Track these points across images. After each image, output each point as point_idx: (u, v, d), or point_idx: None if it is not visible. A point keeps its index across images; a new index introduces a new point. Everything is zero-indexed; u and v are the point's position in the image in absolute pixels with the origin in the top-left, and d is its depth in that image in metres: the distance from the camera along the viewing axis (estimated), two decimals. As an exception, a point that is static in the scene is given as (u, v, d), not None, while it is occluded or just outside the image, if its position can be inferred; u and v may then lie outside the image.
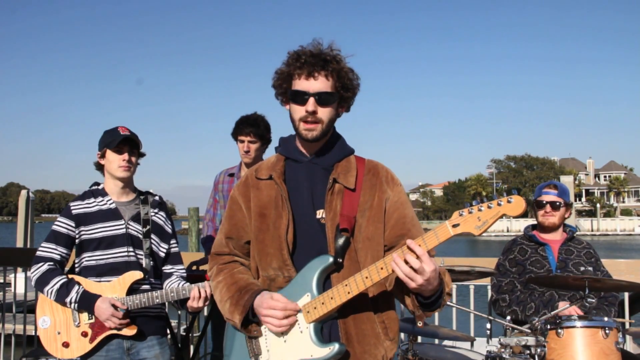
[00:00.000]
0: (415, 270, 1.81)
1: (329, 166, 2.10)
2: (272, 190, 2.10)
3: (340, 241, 1.99)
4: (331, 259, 1.97)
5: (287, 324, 1.95)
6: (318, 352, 1.93)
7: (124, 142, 2.97)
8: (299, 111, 2.03)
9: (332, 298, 1.93)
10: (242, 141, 4.05)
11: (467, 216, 1.85)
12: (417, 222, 2.14)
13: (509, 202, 1.81)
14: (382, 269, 1.90)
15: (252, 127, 4.01)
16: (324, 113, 2.04)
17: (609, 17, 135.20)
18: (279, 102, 2.15)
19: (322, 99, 2.02)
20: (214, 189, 4.34)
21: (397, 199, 2.10)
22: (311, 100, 2.01)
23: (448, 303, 3.11)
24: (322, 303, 1.94)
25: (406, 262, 1.82)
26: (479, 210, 1.84)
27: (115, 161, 2.98)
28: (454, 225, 1.85)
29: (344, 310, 1.98)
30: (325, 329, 2.00)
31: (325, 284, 2.00)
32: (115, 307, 2.84)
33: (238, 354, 2.10)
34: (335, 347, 1.92)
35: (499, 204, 1.82)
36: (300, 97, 2.02)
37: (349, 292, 1.92)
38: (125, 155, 2.98)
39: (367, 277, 1.90)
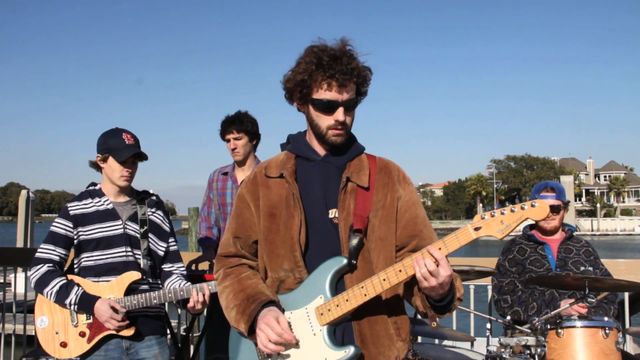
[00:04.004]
0: (430, 273, 1.83)
1: (341, 165, 2.08)
2: (282, 189, 2.06)
3: (354, 242, 1.96)
4: (345, 261, 1.94)
5: (272, 348, 1.90)
6: (332, 355, 1.89)
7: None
8: (326, 120, 2.01)
9: (347, 300, 1.91)
10: (228, 140, 4.08)
11: (490, 219, 1.85)
12: (428, 222, 2.13)
13: (532, 206, 1.83)
14: (400, 271, 1.89)
15: (234, 124, 4.05)
16: (349, 119, 2.04)
17: (609, 17, 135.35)
18: (288, 103, 2.10)
19: (349, 106, 2.02)
20: (208, 188, 4.34)
21: (408, 198, 2.09)
22: (341, 109, 1.99)
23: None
24: (337, 305, 1.92)
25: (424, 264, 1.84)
26: (502, 213, 1.84)
27: (117, 171, 2.96)
28: (476, 229, 1.85)
29: (358, 312, 1.96)
30: (339, 331, 1.97)
31: (338, 284, 1.97)
32: (114, 309, 2.84)
33: (245, 356, 2.07)
34: (350, 350, 1.88)
35: (522, 208, 1.83)
36: (329, 107, 1.99)
37: (365, 295, 1.90)
38: (129, 167, 2.98)
39: (384, 280, 1.89)
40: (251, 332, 1.99)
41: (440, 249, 1.86)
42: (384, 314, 2.02)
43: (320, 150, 2.09)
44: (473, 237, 1.86)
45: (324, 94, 1.99)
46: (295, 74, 2.02)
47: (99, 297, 2.86)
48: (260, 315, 1.95)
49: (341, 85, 1.97)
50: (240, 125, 4.04)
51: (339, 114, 1.99)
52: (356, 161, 2.09)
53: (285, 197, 2.05)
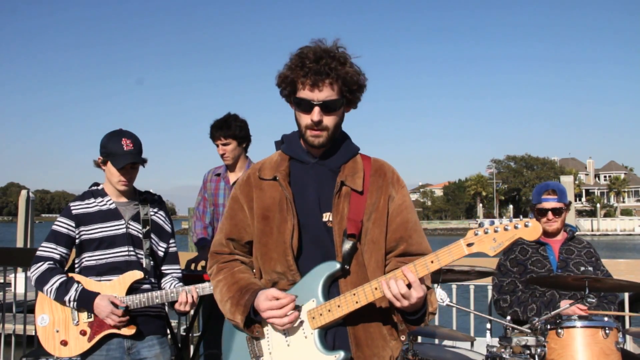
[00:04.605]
0: (402, 295, 1.84)
1: (335, 167, 2.07)
2: (275, 192, 2.06)
3: (347, 247, 1.97)
4: (338, 266, 1.95)
5: (288, 320, 1.92)
6: (323, 359, 1.91)
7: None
8: (304, 119, 2.01)
9: (339, 306, 1.93)
10: (217, 145, 4.10)
11: (483, 236, 1.85)
12: (420, 227, 2.12)
13: (526, 225, 1.83)
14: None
15: (221, 130, 4.05)
16: (329, 120, 2.00)
17: (609, 17, 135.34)
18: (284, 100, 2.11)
19: (328, 106, 1.98)
20: (203, 187, 4.37)
21: (401, 201, 2.09)
22: (316, 109, 1.97)
23: (448, 303, 3.12)
24: (329, 310, 1.93)
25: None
26: (495, 231, 1.85)
27: (115, 176, 2.97)
28: (469, 244, 1.86)
29: (351, 315, 1.96)
30: (330, 334, 1.99)
31: (331, 287, 1.99)
32: (114, 305, 2.84)
33: (237, 354, 2.08)
34: (340, 355, 1.90)
35: (515, 227, 1.84)
36: (305, 106, 1.99)
37: (356, 302, 1.91)
38: (127, 174, 2.98)
39: (376, 289, 1.90)
40: (247, 324, 2.01)
41: (432, 261, 1.87)
42: (377, 315, 2.03)
43: (314, 152, 2.09)
44: (465, 253, 1.87)
45: (301, 92, 1.99)
46: (281, 72, 2.04)
47: (98, 293, 2.86)
48: (256, 303, 1.96)
49: (314, 85, 1.96)
50: (228, 130, 4.04)
51: (314, 113, 1.97)
52: (351, 163, 2.09)
53: (278, 200, 2.05)
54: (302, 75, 1.97)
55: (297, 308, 1.96)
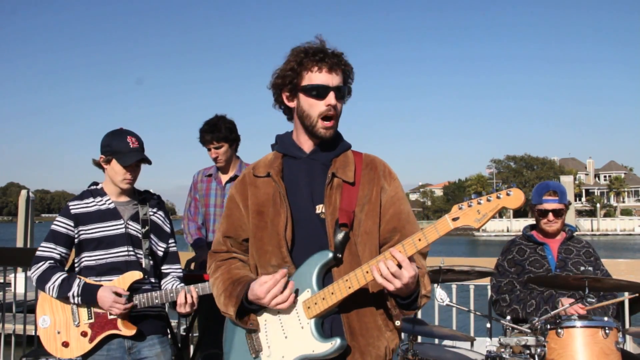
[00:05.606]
0: (393, 274, 1.85)
1: (327, 161, 2.11)
2: (269, 188, 2.11)
3: (340, 236, 2.00)
4: (331, 255, 1.98)
5: (288, 294, 1.95)
6: (319, 348, 1.93)
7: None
8: (317, 106, 2.04)
9: (332, 293, 1.95)
10: (209, 149, 4.11)
11: (467, 209, 1.87)
12: (413, 218, 2.15)
13: (508, 194, 1.83)
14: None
15: (212, 133, 4.06)
16: (339, 107, 2.07)
17: (609, 17, 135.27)
18: (276, 107, 2.16)
19: (340, 92, 2.06)
20: (193, 189, 4.36)
21: (394, 193, 2.11)
22: (332, 93, 2.03)
23: (448, 303, 3.12)
24: (323, 298, 1.95)
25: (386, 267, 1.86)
26: (479, 203, 1.86)
27: (120, 174, 2.97)
28: (454, 219, 1.87)
29: (346, 305, 1.99)
30: (327, 324, 2.01)
31: (325, 278, 2.01)
32: (117, 294, 2.84)
33: (238, 351, 2.11)
34: (336, 342, 1.92)
35: (498, 197, 1.84)
36: (320, 91, 2.02)
37: (349, 287, 1.93)
38: (133, 171, 2.98)
39: (367, 272, 1.91)
40: (240, 316, 2.04)
41: (420, 239, 1.88)
42: (372, 305, 2.04)
43: (306, 148, 2.13)
44: (451, 227, 1.88)
45: (315, 77, 2.03)
46: (284, 66, 2.08)
47: (100, 286, 2.87)
48: (252, 296, 1.99)
49: (331, 68, 2.03)
50: (219, 133, 4.06)
51: (331, 97, 2.02)
52: (342, 157, 2.13)
53: (272, 195, 2.09)
54: (317, 60, 2.02)
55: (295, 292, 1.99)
